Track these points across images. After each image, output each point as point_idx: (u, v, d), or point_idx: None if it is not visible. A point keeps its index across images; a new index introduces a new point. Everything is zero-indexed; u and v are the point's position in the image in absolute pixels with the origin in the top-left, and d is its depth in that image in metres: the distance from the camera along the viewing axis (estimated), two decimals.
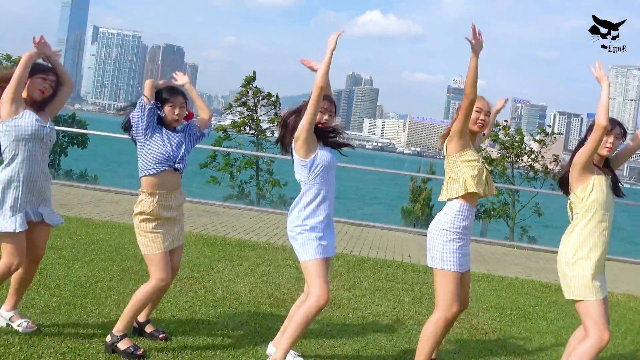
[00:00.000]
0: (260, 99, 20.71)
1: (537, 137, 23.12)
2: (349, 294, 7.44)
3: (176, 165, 4.86)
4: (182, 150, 4.91)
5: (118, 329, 4.71)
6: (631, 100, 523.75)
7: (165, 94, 4.90)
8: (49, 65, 4.95)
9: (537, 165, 22.08)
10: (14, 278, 4.99)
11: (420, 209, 17.93)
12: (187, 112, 5.04)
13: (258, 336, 5.54)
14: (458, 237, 4.68)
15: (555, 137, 23.13)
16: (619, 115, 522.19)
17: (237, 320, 5.94)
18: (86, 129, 22.88)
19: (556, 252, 4.78)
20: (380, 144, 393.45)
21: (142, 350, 4.68)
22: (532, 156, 22.32)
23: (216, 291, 6.85)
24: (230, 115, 21.20)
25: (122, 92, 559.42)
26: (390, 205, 21.80)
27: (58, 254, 7.56)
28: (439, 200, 4.87)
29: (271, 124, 20.70)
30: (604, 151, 4.72)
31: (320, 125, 4.66)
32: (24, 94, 4.78)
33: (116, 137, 14.74)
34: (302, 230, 4.58)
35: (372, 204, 23.87)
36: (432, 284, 7.21)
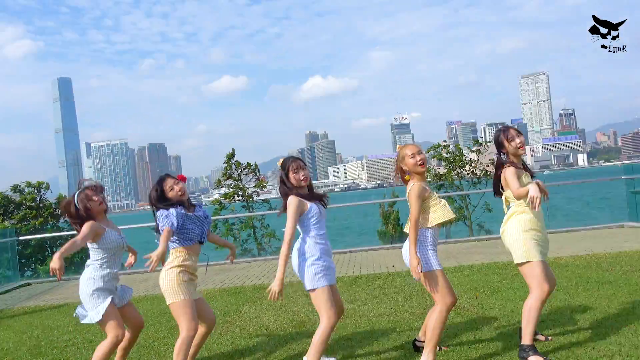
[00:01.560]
0: (242, 169, 21.18)
1: (474, 149, 23.59)
2: (353, 306, 7.78)
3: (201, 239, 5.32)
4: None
5: None
6: (544, 100, 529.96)
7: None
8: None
9: (478, 172, 22.54)
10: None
11: (393, 228, 18.21)
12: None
13: (291, 352, 5.92)
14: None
15: (487, 145, 23.49)
16: (537, 115, 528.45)
17: (271, 344, 6.28)
18: None
19: None
20: (346, 185, 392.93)
21: None
22: (472, 164, 22.80)
23: (249, 327, 7.17)
24: (223, 189, 21.47)
25: (122, 193, 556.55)
26: (366, 231, 22.12)
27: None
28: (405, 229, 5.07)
29: (256, 189, 21.13)
30: (520, 152, 5.25)
31: (302, 181, 5.02)
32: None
33: (132, 227, 14.69)
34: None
35: (351, 234, 24.27)
36: (418, 285, 7.64)
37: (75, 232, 5.16)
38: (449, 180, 22.33)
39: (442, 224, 4.98)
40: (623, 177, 15.12)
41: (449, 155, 23.28)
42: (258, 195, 21.24)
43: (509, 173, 5.14)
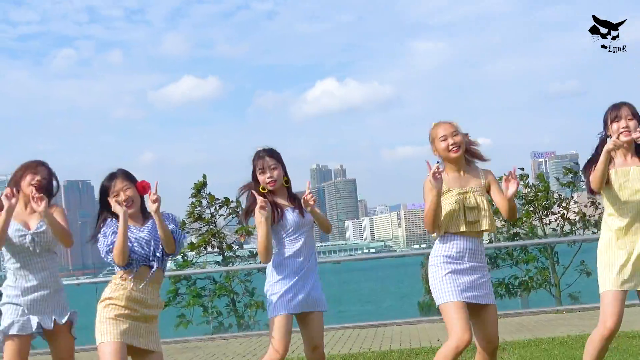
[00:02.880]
0: (217, 207, 21.69)
1: (565, 181, 24.07)
2: None
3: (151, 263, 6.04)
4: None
5: None
6: None
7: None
8: None
9: (571, 216, 23.06)
10: None
11: None
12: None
13: None
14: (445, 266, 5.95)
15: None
16: None
17: None
18: None
19: None
20: (373, 249, 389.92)
21: None
22: (563, 204, 23.33)
23: None
24: (188, 234, 21.38)
25: None
26: (402, 302, 22.70)
27: None
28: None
29: (238, 235, 21.23)
30: (622, 137, 5.98)
31: (268, 184, 6.07)
32: None
33: None
34: None
35: (379, 304, 24.66)
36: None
37: None
38: (528, 226, 22.91)
39: (468, 233, 5.93)
40: None
41: (527, 190, 23.75)
42: (241, 246, 21.52)
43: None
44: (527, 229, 23.01)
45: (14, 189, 6.24)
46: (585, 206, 22.62)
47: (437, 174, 5.67)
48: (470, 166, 6.17)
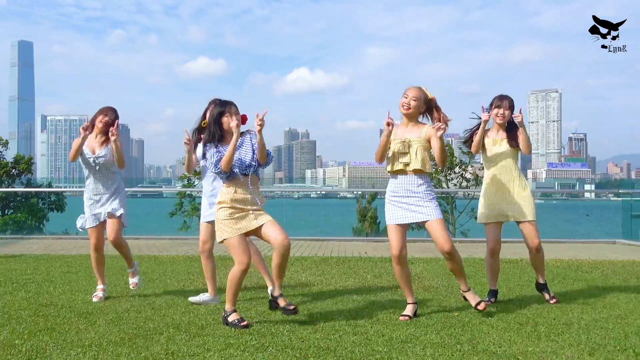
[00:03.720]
0: None
1: (466, 150, 24.26)
2: (320, 278, 8.44)
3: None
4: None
5: (226, 307, 5.61)
6: (553, 121, 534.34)
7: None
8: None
9: (468, 175, 23.33)
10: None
11: (369, 226, 18.86)
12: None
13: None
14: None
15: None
16: (545, 137, 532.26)
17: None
18: (62, 194, 23.52)
19: None
20: (323, 192, 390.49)
21: (246, 322, 5.49)
22: (462, 166, 23.63)
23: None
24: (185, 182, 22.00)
25: (75, 174, 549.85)
26: (341, 227, 22.77)
27: (76, 275, 8.54)
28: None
29: None
30: (498, 120, 6.69)
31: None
32: None
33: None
34: None
35: (324, 227, 24.86)
36: (389, 267, 8.32)
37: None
38: (436, 181, 23.10)
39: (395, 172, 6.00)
40: (620, 191, 15.99)
41: None
42: None
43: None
44: (435, 182, 23.15)
45: (90, 124, 6.87)
46: (480, 169, 22.89)
47: (389, 123, 5.83)
48: (418, 124, 6.07)
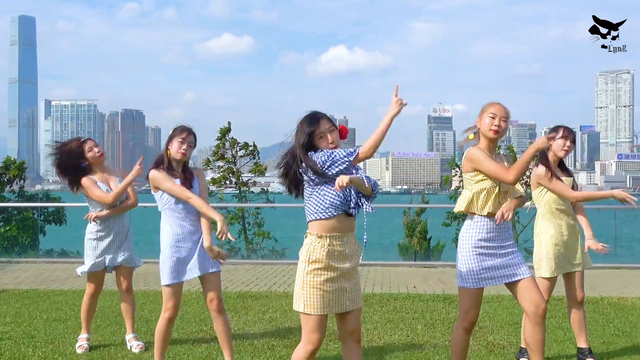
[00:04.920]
0: (237, 149, 21.26)
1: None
2: (361, 329, 7.89)
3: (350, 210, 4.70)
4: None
5: None
6: (625, 106, 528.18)
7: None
8: None
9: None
10: None
11: (418, 243, 18.25)
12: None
13: None
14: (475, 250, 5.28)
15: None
16: (615, 124, 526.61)
17: None
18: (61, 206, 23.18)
19: None
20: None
21: None
22: (528, 173, 22.85)
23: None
24: (210, 172, 21.51)
25: None
26: (385, 244, 22.23)
27: (64, 325, 8.02)
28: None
29: (252, 175, 21.17)
30: (561, 154, 6.34)
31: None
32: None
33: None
34: None
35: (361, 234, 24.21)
36: (443, 312, 7.77)
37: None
38: None
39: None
40: None
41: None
42: (254, 183, 21.34)
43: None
44: None
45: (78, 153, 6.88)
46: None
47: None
48: (495, 152, 5.51)
